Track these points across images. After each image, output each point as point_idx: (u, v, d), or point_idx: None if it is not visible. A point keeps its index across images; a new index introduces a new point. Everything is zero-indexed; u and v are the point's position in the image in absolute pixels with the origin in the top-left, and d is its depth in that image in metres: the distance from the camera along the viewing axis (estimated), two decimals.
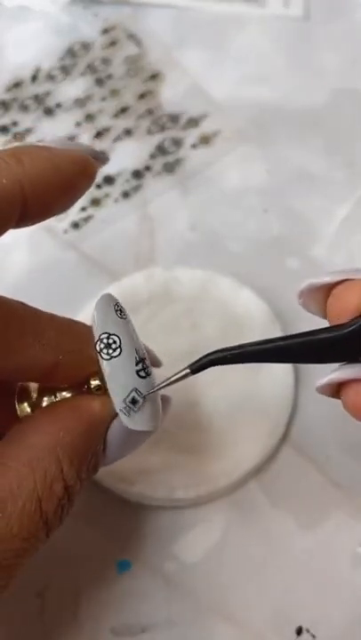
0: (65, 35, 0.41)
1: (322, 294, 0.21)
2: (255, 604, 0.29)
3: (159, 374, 0.23)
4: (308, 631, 0.29)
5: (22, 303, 0.22)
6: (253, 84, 0.40)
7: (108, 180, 0.37)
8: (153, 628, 0.29)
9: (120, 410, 0.21)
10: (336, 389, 0.21)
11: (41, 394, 0.23)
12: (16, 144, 0.31)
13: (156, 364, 0.25)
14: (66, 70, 0.40)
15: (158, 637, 0.28)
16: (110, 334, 0.21)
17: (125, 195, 0.37)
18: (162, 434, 0.30)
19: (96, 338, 0.22)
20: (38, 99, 0.40)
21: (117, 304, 0.22)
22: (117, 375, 0.21)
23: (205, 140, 0.39)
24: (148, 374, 0.22)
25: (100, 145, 0.38)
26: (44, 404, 0.23)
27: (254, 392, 0.32)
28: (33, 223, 0.22)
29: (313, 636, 0.29)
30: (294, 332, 0.21)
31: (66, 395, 0.23)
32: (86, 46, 0.41)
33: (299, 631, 0.29)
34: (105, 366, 0.21)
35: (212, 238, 0.36)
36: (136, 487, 0.30)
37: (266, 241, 0.36)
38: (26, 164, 0.21)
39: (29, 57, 0.41)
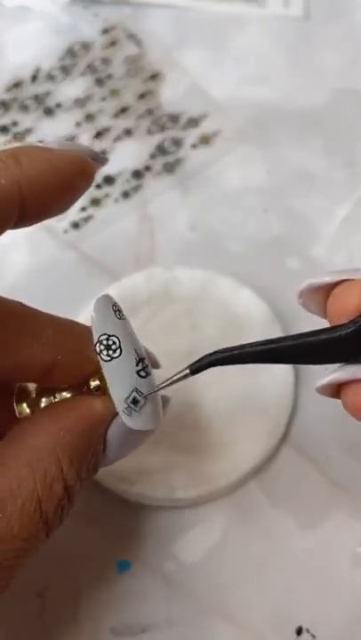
0: (65, 35, 0.41)
1: (322, 294, 0.21)
2: (255, 604, 0.29)
3: (159, 375, 0.23)
4: (308, 631, 0.29)
5: (21, 303, 0.22)
6: (253, 83, 0.40)
7: (108, 179, 0.37)
8: (153, 628, 0.29)
9: (122, 410, 0.22)
10: (336, 390, 0.21)
11: (40, 394, 0.23)
12: (16, 144, 0.31)
13: (155, 365, 0.25)
14: (66, 70, 0.40)
15: (158, 637, 0.28)
16: (110, 335, 0.22)
17: (125, 195, 0.37)
18: (162, 434, 0.30)
19: (95, 339, 0.22)
20: (38, 99, 0.40)
21: (115, 305, 0.22)
22: (118, 376, 0.21)
23: (205, 140, 0.39)
24: (148, 374, 0.22)
25: (100, 145, 0.38)
26: (43, 404, 0.23)
27: (254, 392, 0.32)
28: (31, 224, 0.22)
29: (313, 636, 0.29)
30: (294, 333, 0.21)
31: (65, 395, 0.23)
32: (86, 46, 0.41)
33: (299, 631, 0.29)
34: (105, 368, 0.21)
35: (212, 238, 0.36)
36: (136, 487, 0.30)
37: (266, 241, 0.36)
38: (24, 164, 0.21)
39: (29, 57, 0.41)
